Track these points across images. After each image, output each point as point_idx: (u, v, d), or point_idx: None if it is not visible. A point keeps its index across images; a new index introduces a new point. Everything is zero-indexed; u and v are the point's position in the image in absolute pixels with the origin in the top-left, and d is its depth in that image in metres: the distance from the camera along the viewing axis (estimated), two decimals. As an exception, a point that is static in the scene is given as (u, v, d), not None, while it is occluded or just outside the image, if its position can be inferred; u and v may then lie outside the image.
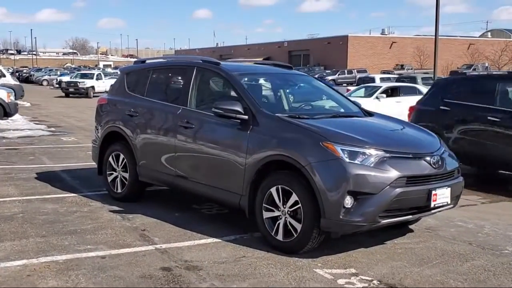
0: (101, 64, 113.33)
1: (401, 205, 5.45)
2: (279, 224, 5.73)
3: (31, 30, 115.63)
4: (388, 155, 5.44)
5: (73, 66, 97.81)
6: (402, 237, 6.42)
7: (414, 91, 22.67)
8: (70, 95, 39.94)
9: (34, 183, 8.98)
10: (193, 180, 6.70)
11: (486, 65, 59.55)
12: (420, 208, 5.67)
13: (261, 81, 7.20)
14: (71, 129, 17.59)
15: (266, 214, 5.84)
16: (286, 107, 6.88)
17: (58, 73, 59.41)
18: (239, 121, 6.13)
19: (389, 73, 48.46)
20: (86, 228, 6.49)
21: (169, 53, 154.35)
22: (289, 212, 5.63)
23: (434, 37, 31.03)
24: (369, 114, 6.93)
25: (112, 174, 7.92)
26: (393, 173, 5.34)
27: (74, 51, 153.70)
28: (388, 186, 5.29)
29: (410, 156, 5.61)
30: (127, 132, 7.55)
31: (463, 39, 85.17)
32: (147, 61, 8.13)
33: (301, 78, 7.70)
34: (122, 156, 7.71)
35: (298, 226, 5.54)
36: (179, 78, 7.32)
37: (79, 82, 40.68)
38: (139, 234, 6.30)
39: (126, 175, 7.67)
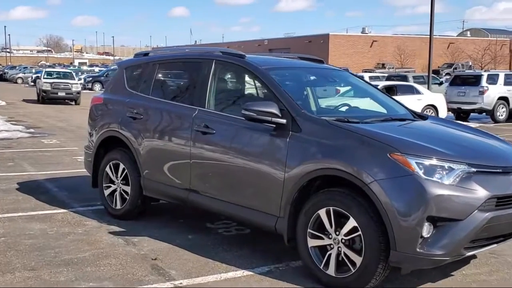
0: (76, 62, 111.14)
1: (490, 233, 4.36)
2: (330, 255, 4.60)
3: (5, 27, 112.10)
4: (473, 169, 4.34)
5: (48, 64, 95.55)
6: (468, 266, 5.33)
7: (411, 90, 21.77)
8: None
9: (15, 196, 7.72)
10: (213, 197, 5.53)
11: (470, 63, 59.04)
12: (507, 235, 4.59)
13: (295, 77, 6.04)
14: (51, 130, 16.24)
15: (312, 242, 4.71)
16: (326, 108, 5.74)
17: (33, 70, 57.47)
18: (273, 125, 4.99)
19: (370, 72, 47.59)
20: (84, 257, 5.29)
21: (145, 50, 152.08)
22: (344, 241, 4.51)
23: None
24: (422, 116, 5.84)
25: (109, 187, 6.71)
26: (481, 193, 4.24)
27: (49, 48, 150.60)
28: (476, 210, 4.19)
29: (499, 171, 4.51)
30: (129, 137, 6.35)
31: (443, 38, 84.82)
32: (151, 54, 6.91)
33: (336, 74, 6.58)
34: (122, 166, 6.51)
35: (357, 259, 4.41)
36: (194, 73, 6.14)
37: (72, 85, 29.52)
38: (150, 265, 5.12)
39: (127, 188, 6.46)
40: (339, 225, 4.54)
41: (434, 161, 4.27)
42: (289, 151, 4.84)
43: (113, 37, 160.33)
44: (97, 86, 44.18)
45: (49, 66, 58.74)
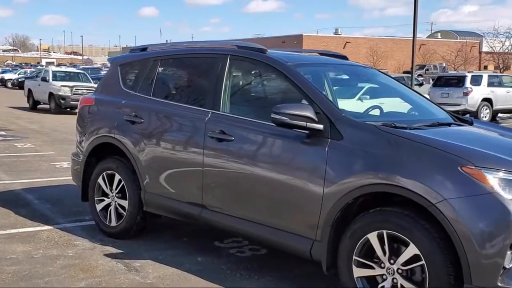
0: (43, 62, 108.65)
1: None
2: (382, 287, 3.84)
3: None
4: None
5: (14, 63, 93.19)
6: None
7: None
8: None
9: (-9, 210, 6.80)
10: (231, 215, 4.73)
11: (444, 65, 59.04)
12: None
13: (324, 75, 5.27)
14: (24, 133, 15.17)
15: (359, 272, 3.95)
16: (363, 111, 4.99)
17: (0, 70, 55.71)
18: (306, 132, 4.22)
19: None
20: (81, 289, 4.44)
21: (114, 50, 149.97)
22: (401, 271, 3.75)
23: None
24: (465, 120, 5.14)
25: (102, 200, 5.85)
26: None
27: (15, 48, 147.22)
28: None
29: None
30: (127, 144, 5.51)
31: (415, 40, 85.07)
32: (150, 49, 6.05)
33: (365, 71, 5.84)
34: (118, 177, 5.66)
35: (419, 294, 3.66)
36: (204, 71, 5.34)
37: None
38: (161, 298, 4.30)
39: (124, 203, 5.62)
40: (395, 252, 3.79)
41: None
42: (329, 162, 4.07)
43: (82, 36, 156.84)
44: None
45: (16, 66, 56.85)
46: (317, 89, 4.46)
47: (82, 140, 6.10)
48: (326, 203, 4.06)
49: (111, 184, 5.75)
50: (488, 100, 23.66)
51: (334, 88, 5.21)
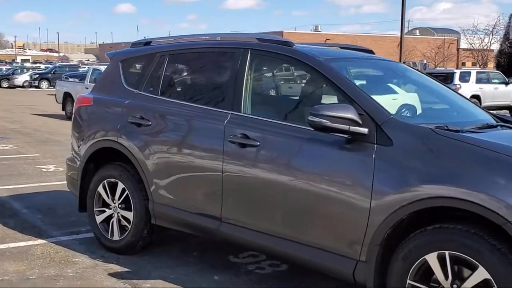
0: (18, 59, 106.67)
1: None
2: (444, 318, 3.33)
3: None
4: None
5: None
6: None
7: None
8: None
9: (-25, 221, 6.16)
10: (256, 230, 4.18)
11: (424, 62, 58.92)
12: None
13: (361, 71, 4.73)
14: (4, 134, 14.39)
15: (415, 298, 3.42)
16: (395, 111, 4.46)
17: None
18: (347, 136, 3.69)
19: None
20: (88, 318, 3.86)
21: (90, 47, 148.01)
22: (467, 299, 3.24)
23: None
24: (508, 121, 4.64)
25: (103, 211, 5.27)
26: None
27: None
28: None
29: None
30: (133, 150, 4.93)
31: (394, 37, 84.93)
32: (154, 43, 5.46)
33: (397, 67, 5.32)
34: (121, 185, 5.08)
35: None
36: (221, 68, 4.79)
37: None
38: (182, 329, 3.74)
39: (129, 214, 5.04)
40: (458, 276, 3.28)
41: None
42: (377, 172, 3.55)
43: (58, 33, 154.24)
44: (45, 84, 41.92)
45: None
46: (357, 87, 3.93)
47: (79, 145, 5.49)
48: (373, 219, 3.53)
49: (113, 194, 5.17)
50: (476, 97, 23.41)
51: (369, 85, 4.66)
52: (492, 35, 59.45)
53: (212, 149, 4.40)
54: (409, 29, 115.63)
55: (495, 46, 59.83)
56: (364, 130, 3.64)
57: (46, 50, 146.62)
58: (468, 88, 23.31)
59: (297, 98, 4.65)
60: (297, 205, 3.94)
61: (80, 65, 50.48)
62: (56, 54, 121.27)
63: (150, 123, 4.85)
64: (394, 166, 3.52)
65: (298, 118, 4.12)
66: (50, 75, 42.87)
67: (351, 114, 3.63)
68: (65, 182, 8.09)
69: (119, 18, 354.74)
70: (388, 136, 3.58)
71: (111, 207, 5.20)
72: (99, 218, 5.29)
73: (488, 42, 60.56)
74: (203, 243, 5.44)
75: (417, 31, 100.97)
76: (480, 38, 61.03)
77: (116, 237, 5.15)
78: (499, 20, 57.85)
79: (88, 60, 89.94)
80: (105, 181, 5.22)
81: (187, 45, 5.11)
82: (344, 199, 3.67)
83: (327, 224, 3.80)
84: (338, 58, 4.58)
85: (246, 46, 4.54)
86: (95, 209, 5.32)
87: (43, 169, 9.34)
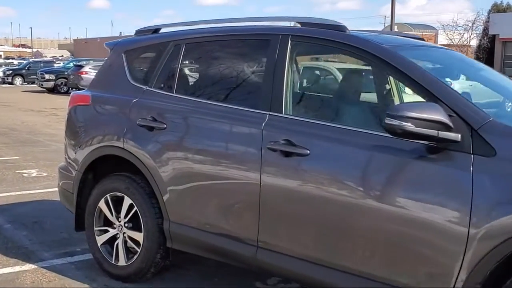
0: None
1: None
2: None
3: None
4: None
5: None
6: None
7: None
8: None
9: (-50, 241, 5.26)
10: (305, 259, 3.37)
11: (405, 58, 58.62)
12: None
13: (426, 62, 3.92)
14: None
15: None
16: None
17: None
18: (433, 144, 2.90)
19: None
20: None
21: (64, 42, 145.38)
22: None
23: None
24: None
25: (105, 231, 4.41)
26: None
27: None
28: None
29: None
30: (144, 158, 4.08)
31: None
32: (164, 30, 4.59)
33: (461, 58, 4.55)
34: (128, 200, 4.22)
35: None
36: (252, 58, 3.97)
37: None
38: None
39: (139, 236, 4.19)
40: None
41: None
42: (477, 190, 2.76)
43: (31, 28, 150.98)
44: (18, 80, 40.53)
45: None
46: (441, 81, 3.14)
47: (75, 151, 4.62)
48: (474, 250, 2.75)
49: (117, 210, 4.32)
50: (466, 94, 22.90)
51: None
52: (472, 30, 59.35)
53: (246, 158, 3.58)
54: (386, 25, 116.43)
55: (475, 42, 59.77)
56: (457, 136, 2.85)
57: (18, 46, 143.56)
58: (459, 85, 22.73)
59: (353, 95, 3.83)
60: (363, 230, 3.14)
61: (55, 60, 49.12)
62: (29, 50, 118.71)
63: (165, 126, 4.00)
64: (501, 183, 2.73)
65: (360, 120, 3.32)
66: (24, 71, 41.53)
67: (441, 116, 2.85)
68: (50, 189, 7.34)
69: (94, 13, 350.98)
70: (490, 144, 2.80)
71: (115, 226, 4.35)
72: (101, 239, 4.43)
73: (467, 38, 60.45)
74: (224, 266, 4.59)
75: (396, 27, 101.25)
76: (460, 34, 60.91)
77: (122, 262, 4.30)
78: (478, 16, 57.79)
79: (62, 56, 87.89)
80: (107, 195, 4.36)
81: (209, 31, 4.25)
82: (429, 224, 2.88)
83: (406, 255, 3.01)
84: (404, 46, 3.78)
85: (285, 31, 3.72)
86: (96, 229, 4.46)
87: (24, 174, 8.41)
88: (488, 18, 52.35)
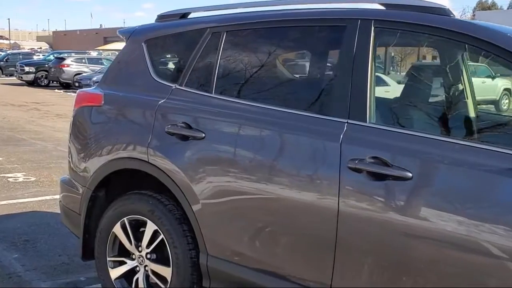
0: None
1: None
2: None
3: None
4: None
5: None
6: None
7: (378, 81, 19.48)
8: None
9: None
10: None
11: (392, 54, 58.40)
12: None
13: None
14: None
15: None
16: None
17: None
18: None
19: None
20: None
21: (42, 34, 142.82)
22: None
23: None
24: None
25: (122, 263, 3.56)
26: None
27: None
28: None
29: None
30: (175, 174, 3.23)
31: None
32: (194, 14, 3.73)
33: None
34: (153, 226, 3.38)
35: None
36: (322, 50, 3.13)
37: None
38: None
39: (165, 271, 3.35)
40: None
41: None
42: None
43: (8, 19, 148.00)
44: (-4, 73, 39.15)
45: None
46: None
47: (84, 163, 3.74)
48: None
49: (138, 238, 3.47)
50: (464, 91, 22.42)
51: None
52: (458, 28, 59.53)
53: (318, 179, 2.76)
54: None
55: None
56: None
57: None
58: None
59: (471, 98, 3.03)
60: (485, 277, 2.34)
61: (34, 53, 47.81)
62: (6, 42, 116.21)
63: (204, 135, 3.16)
64: None
65: (485, 134, 2.51)
66: (2, 63, 40.14)
67: None
68: (41, 197, 6.51)
69: (73, 4, 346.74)
70: None
71: (134, 256, 3.50)
72: (115, 272, 3.58)
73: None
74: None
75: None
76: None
77: (143, 302, 3.45)
78: (464, 13, 57.82)
79: (41, 48, 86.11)
80: (125, 219, 3.50)
81: (258, 16, 3.39)
82: None
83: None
84: None
85: (365, 16, 2.89)
86: (109, 259, 3.61)
87: (10, 179, 7.50)
88: (474, 16, 52.32)
